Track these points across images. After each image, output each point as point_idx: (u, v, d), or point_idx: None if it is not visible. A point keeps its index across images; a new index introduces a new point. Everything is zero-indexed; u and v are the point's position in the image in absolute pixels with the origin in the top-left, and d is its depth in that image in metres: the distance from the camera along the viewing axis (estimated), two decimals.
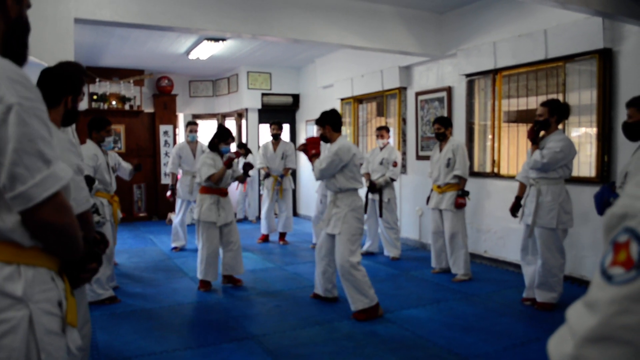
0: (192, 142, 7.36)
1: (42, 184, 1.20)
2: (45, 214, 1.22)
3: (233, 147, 5.41)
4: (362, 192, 6.97)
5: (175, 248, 7.29)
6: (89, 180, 3.20)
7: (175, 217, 7.32)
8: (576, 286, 5.12)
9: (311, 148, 4.55)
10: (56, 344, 1.30)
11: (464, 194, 5.51)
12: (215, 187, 5.18)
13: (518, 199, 4.65)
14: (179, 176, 7.33)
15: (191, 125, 7.41)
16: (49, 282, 1.32)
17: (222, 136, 5.29)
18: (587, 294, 0.62)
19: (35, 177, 1.19)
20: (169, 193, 7.28)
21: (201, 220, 5.16)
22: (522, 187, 4.66)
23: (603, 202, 3.71)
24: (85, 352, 2.63)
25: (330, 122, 4.50)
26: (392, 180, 6.59)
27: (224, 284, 5.38)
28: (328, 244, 4.59)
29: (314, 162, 4.48)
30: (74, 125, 2.73)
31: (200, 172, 5.20)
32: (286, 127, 10.78)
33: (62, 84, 2.40)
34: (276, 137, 7.76)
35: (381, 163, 6.62)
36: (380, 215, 6.58)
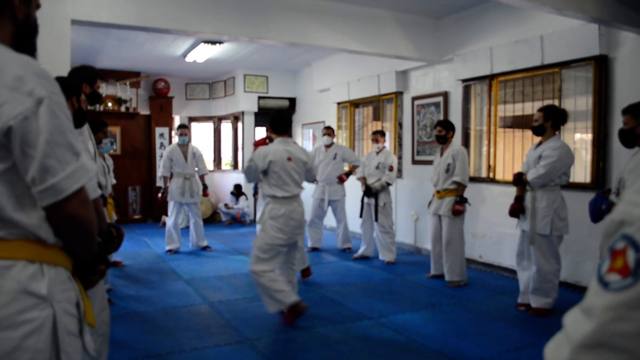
0: (183, 145, 7.34)
1: (72, 176, 1.21)
2: (72, 207, 1.22)
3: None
4: (358, 196, 6.98)
5: (169, 251, 7.26)
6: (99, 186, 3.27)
7: (169, 220, 7.30)
8: (571, 292, 5.12)
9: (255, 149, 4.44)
10: (75, 346, 1.31)
11: (462, 200, 5.42)
12: None
13: (519, 199, 4.49)
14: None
15: (182, 129, 7.40)
16: (68, 282, 1.33)
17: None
18: (584, 300, 0.62)
19: (66, 169, 1.20)
20: (160, 195, 7.35)
21: None
22: (520, 188, 4.52)
23: (596, 210, 3.71)
24: (105, 337, 2.68)
25: (270, 123, 4.47)
26: (388, 184, 6.57)
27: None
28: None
29: None
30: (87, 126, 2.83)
31: None
32: None
33: (63, 88, 2.47)
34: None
35: (377, 167, 6.60)
36: (376, 220, 6.56)
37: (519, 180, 4.45)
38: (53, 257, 1.28)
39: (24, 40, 1.36)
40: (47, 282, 1.23)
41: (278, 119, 4.46)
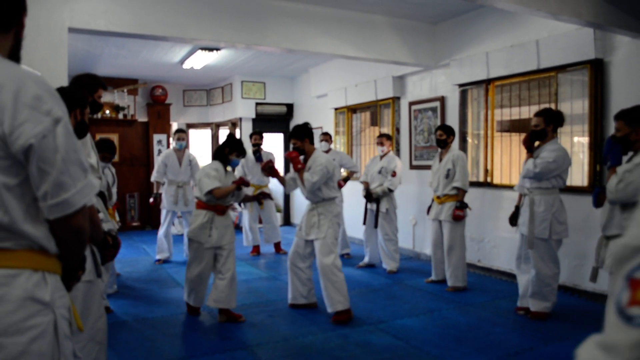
0: (180, 150, 7.16)
1: (81, 192, 1.30)
2: (78, 220, 1.32)
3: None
4: (357, 201, 6.96)
5: (158, 260, 7.05)
6: (103, 197, 3.26)
7: (160, 229, 7.11)
8: (570, 295, 5.12)
9: (297, 163, 4.73)
10: (69, 348, 1.39)
11: (462, 206, 5.39)
12: (212, 202, 4.51)
13: (517, 208, 4.60)
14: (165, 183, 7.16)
15: (179, 133, 7.21)
16: (63, 289, 1.41)
17: (235, 147, 4.71)
18: (603, 335, 0.56)
19: (77, 185, 1.29)
20: (151, 200, 7.14)
21: (190, 238, 4.60)
22: (521, 197, 4.60)
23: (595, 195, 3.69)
24: (102, 345, 2.67)
25: (308, 135, 4.79)
26: (390, 190, 6.34)
27: (220, 321, 4.52)
28: (304, 250, 4.76)
29: (303, 175, 4.66)
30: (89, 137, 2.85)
31: (201, 185, 4.47)
32: (280, 137, 10.79)
33: (69, 100, 2.49)
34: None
35: (380, 172, 6.39)
36: (375, 226, 6.39)
37: (531, 143, 4.45)
38: (53, 266, 1.36)
39: (16, 54, 1.43)
40: (50, 290, 1.32)
41: (312, 131, 4.89)
